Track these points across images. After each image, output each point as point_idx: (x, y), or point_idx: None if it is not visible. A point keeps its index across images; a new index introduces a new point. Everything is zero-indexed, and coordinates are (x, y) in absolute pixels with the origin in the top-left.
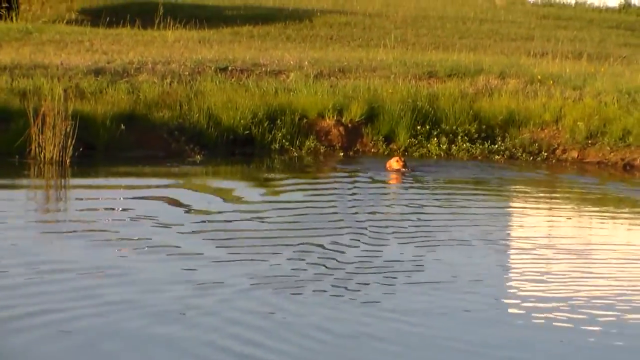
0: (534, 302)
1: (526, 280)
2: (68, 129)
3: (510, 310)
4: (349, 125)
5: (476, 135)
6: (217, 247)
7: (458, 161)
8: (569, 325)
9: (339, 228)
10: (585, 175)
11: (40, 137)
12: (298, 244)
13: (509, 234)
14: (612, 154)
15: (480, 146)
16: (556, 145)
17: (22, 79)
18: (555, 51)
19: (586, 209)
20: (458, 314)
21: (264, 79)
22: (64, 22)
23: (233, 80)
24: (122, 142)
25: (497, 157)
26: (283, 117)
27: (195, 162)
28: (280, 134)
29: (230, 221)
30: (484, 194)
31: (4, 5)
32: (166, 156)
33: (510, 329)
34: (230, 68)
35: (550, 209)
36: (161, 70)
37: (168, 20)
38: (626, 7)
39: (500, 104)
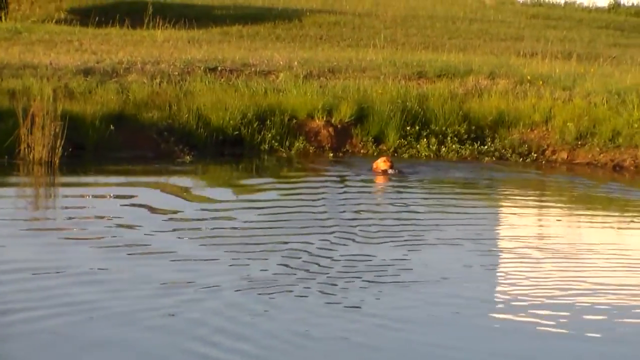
0: (521, 304)
1: (513, 282)
2: (57, 130)
3: (496, 314)
4: (339, 125)
5: (466, 136)
6: (199, 248)
7: (447, 162)
8: (556, 329)
9: (324, 227)
10: (576, 176)
11: (30, 137)
12: (280, 245)
13: (497, 235)
14: (601, 154)
15: (470, 147)
16: (546, 146)
17: (11, 79)
18: (544, 51)
19: (576, 209)
20: (443, 318)
21: (253, 79)
22: (53, 21)
23: (222, 80)
24: (111, 142)
25: (486, 158)
26: (272, 118)
27: (184, 163)
28: (269, 135)
29: (211, 221)
30: (472, 195)
31: None
32: (155, 157)
33: (496, 333)
34: (219, 68)
35: (539, 209)
36: (150, 70)
37: (157, 20)
38: (615, 7)
39: (490, 104)
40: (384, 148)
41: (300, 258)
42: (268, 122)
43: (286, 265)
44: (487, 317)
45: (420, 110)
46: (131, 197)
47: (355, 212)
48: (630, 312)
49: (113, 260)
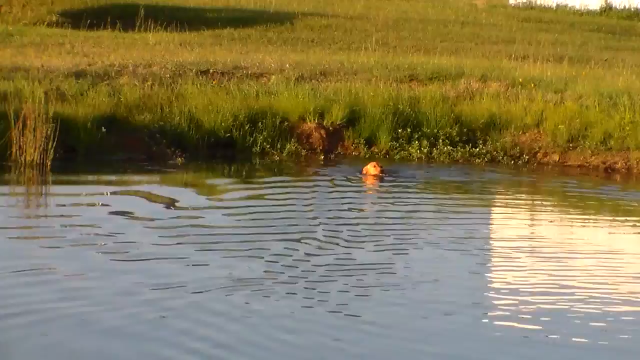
0: (505, 308)
1: (498, 286)
2: (49, 132)
3: (482, 319)
4: (330, 128)
5: (457, 139)
6: (186, 249)
7: (439, 165)
8: (542, 335)
9: (310, 230)
10: (567, 178)
11: (21, 139)
12: (265, 248)
13: (485, 237)
14: (593, 157)
15: (462, 150)
16: (537, 149)
17: (2, 82)
18: (536, 54)
19: (568, 211)
20: (429, 320)
21: (245, 82)
22: (45, 24)
23: (214, 83)
24: (103, 144)
25: (478, 160)
26: (264, 120)
27: (176, 165)
28: (261, 137)
29: (200, 222)
30: (463, 198)
31: None
32: (147, 159)
33: (482, 338)
34: (211, 71)
35: (530, 212)
36: (142, 73)
37: (149, 23)
38: (607, 10)
39: (482, 107)
40: (376, 150)
41: (284, 261)
42: (260, 124)
43: (270, 269)
44: (472, 322)
45: (412, 112)
46: (119, 199)
47: (342, 215)
48: (620, 318)
49: (91, 262)
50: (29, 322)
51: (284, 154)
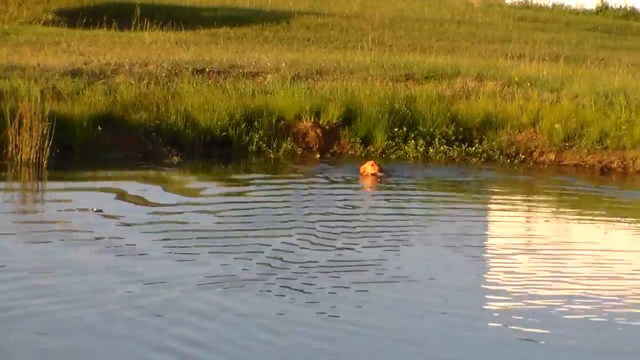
0: (501, 307)
1: (494, 282)
2: (45, 131)
3: (470, 320)
4: (326, 127)
5: (453, 138)
6: (171, 247)
7: (435, 164)
8: (535, 336)
9: (306, 226)
10: (563, 177)
11: (17, 138)
12: (257, 246)
13: (482, 236)
14: (589, 156)
15: (458, 149)
16: (533, 148)
17: None
18: (532, 53)
19: (564, 210)
20: (420, 320)
21: (241, 81)
22: (41, 23)
23: (210, 82)
24: (99, 143)
25: (474, 159)
26: (260, 119)
27: (172, 164)
28: (257, 136)
29: (191, 221)
30: (459, 197)
31: None
32: (143, 158)
33: (476, 336)
34: (207, 70)
35: (526, 211)
36: (138, 72)
37: (145, 22)
38: (603, 10)
39: (478, 106)
40: (372, 149)
41: (272, 259)
42: (256, 123)
43: (268, 264)
44: (459, 321)
45: (408, 111)
46: (109, 197)
47: (336, 213)
48: (617, 319)
49: (91, 259)
50: None
51: (280, 153)
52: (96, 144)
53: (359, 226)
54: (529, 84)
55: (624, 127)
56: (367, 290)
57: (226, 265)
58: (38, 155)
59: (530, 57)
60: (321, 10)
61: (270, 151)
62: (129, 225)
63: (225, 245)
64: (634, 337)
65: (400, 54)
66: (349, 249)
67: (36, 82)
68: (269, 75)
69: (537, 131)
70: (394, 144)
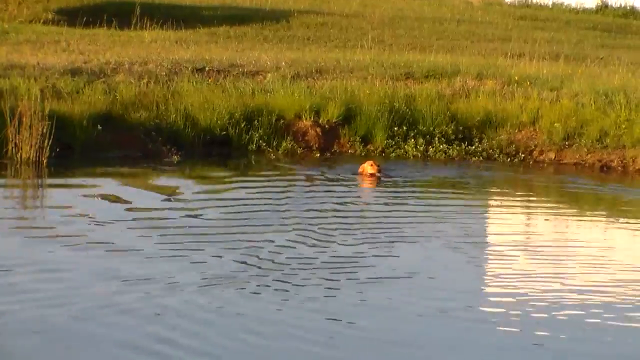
0: (499, 308)
1: (492, 281)
2: (45, 129)
3: (459, 314)
4: (326, 126)
5: (453, 137)
6: (170, 246)
7: (435, 163)
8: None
9: (305, 226)
10: (563, 176)
11: (17, 137)
12: (254, 244)
13: (481, 235)
14: (589, 155)
15: (457, 147)
16: (533, 147)
17: None
18: (532, 52)
19: (563, 209)
20: (416, 321)
21: (240, 80)
22: (41, 22)
23: (210, 81)
24: (99, 142)
25: (474, 158)
26: (260, 118)
27: (172, 163)
28: (257, 135)
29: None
30: (459, 197)
31: None
32: (143, 157)
33: (452, 327)
34: (207, 68)
35: (526, 210)
36: (138, 71)
37: (145, 21)
38: (603, 8)
39: (477, 105)
40: (372, 148)
41: (264, 258)
42: (255, 122)
43: (248, 267)
44: (447, 318)
45: (407, 110)
46: (111, 196)
47: (336, 213)
48: (617, 321)
49: (76, 257)
50: None
51: (280, 152)
52: (96, 142)
53: (356, 225)
54: (528, 83)
55: (623, 126)
56: (361, 291)
57: (219, 265)
58: (38, 154)
59: (530, 55)
60: (321, 9)
61: (270, 150)
62: (117, 223)
63: (217, 242)
64: (635, 339)
65: (400, 53)
66: (346, 248)
67: (36, 80)
68: (269, 74)
69: (537, 130)
70: (393, 142)
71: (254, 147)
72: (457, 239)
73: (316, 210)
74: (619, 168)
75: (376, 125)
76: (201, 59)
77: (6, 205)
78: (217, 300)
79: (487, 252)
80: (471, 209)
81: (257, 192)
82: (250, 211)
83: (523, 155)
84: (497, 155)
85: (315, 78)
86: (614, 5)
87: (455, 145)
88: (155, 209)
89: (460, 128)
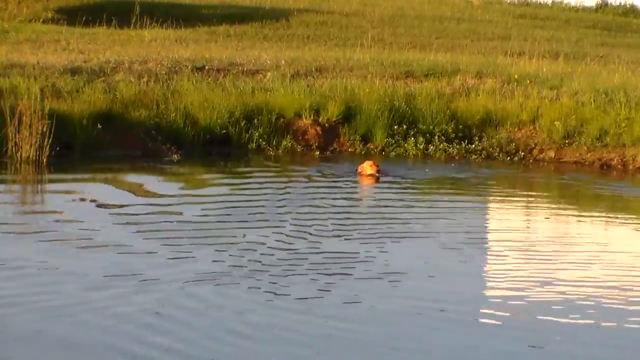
0: (481, 304)
1: (491, 281)
2: (45, 128)
3: (449, 313)
4: (326, 124)
5: (453, 135)
6: (160, 244)
7: (435, 161)
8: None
9: (302, 224)
10: (563, 175)
11: (17, 136)
12: (256, 243)
13: (481, 235)
14: (589, 153)
15: (457, 146)
16: (533, 145)
17: None
18: (532, 51)
19: (563, 207)
20: (414, 320)
21: (240, 79)
22: (40, 21)
23: (210, 79)
24: (99, 141)
25: (474, 157)
26: (260, 117)
27: (172, 162)
28: (257, 134)
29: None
30: (458, 196)
31: None
32: (143, 156)
33: (443, 329)
34: (206, 67)
35: (526, 208)
36: (138, 70)
37: (144, 20)
38: (603, 7)
39: (477, 103)
40: (372, 147)
41: (251, 255)
42: (255, 121)
43: (237, 263)
44: (438, 316)
45: (407, 109)
46: (102, 194)
47: (333, 214)
48: (618, 322)
49: (64, 256)
50: None
51: (280, 151)
52: (96, 141)
53: (353, 225)
54: (528, 82)
55: (623, 125)
56: (357, 291)
57: (214, 262)
58: (38, 153)
59: (529, 54)
60: (321, 8)
61: (270, 149)
62: (112, 221)
63: (214, 243)
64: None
65: (400, 52)
66: (341, 247)
67: (36, 80)
68: (269, 73)
69: (537, 128)
70: (393, 141)
71: (253, 146)
72: (456, 239)
73: (313, 210)
74: (619, 166)
75: (376, 124)
76: (201, 57)
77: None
78: (207, 299)
79: (485, 251)
80: (471, 207)
81: (255, 191)
82: (248, 213)
83: (523, 154)
84: (497, 154)
85: (315, 77)
86: (613, 4)
87: (455, 144)
88: (153, 207)
89: (460, 127)
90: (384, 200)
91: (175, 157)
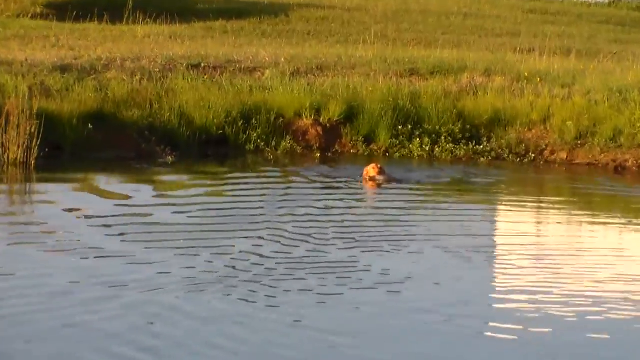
0: (505, 314)
1: (500, 286)
2: (33, 129)
3: (477, 320)
4: (328, 125)
5: (460, 136)
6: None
7: (441, 163)
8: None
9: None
10: (575, 177)
11: (4, 137)
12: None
13: (490, 240)
14: (602, 155)
15: (465, 147)
16: (544, 146)
17: None
18: (542, 47)
19: (575, 211)
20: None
21: (238, 77)
22: (29, 16)
23: (206, 77)
24: (90, 142)
25: (482, 158)
26: (258, 117)
27: (166, 164)
28: (255, 134)
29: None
30: (466, 199)
31: None
32: (136, 157)
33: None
34: (202, 65)
35: (537, 213)
36: (130, 67)
37: (137, 15)
38: (616, 1)
39: (486, 102)
40: (375, 148)
41: (266, 260)
42: (253, 121)
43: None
44: (421, 321)
45: (412, 108)
46: (91, 199)
47: (332, 218)
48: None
49: (54, 260)
50: None
51: (279, 152)
52: (87, 142)
53: (353, 230)
54: (539, 80)
55: (638, 124)
56: (356, 298)
57: (209, 266)
58: (26, 154)
59: (540, 51)
60: (322, 3)
61: (269, 150)
62: (104, 227)
63: (206, 247)
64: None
65: (404, 48)
66: (340, 254)
67: (24, 77)
68: (267, 71)
69: (548, 129)
70: (398, 142)
71: (252, 147)
72: (463, 245)
73: (311, 214)
74: (635, 168)
75: (379, 124)
76: (196, 54)
77: None
78: (200, 305)
79: (493, 258)
80: (479, 212)
81: (252, 195)
82: (243, 214)
83: (533, 155)
84: (506, 155)
85: (316, 75)
86: None
87: (462, 145)
88: (147, 209)
89: (468, 127)
90: (390, 205)
91: (170, 158)
